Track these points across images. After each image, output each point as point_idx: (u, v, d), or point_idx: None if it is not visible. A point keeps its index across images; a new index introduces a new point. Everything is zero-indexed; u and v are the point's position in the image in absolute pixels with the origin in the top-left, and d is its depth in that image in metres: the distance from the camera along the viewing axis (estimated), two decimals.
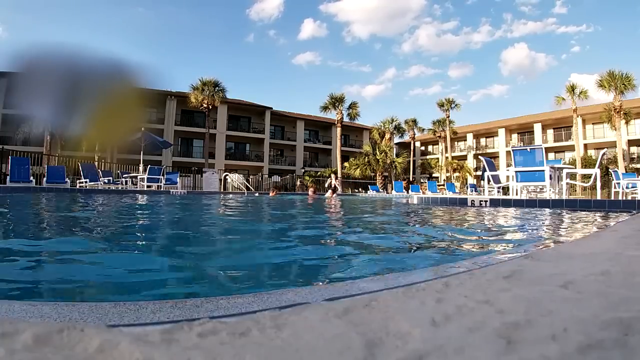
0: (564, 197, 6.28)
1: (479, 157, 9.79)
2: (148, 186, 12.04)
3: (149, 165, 12.46)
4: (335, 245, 2.25)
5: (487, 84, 68.36)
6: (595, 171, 6.50)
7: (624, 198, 8.59)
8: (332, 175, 13.04)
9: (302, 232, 2.95)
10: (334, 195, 11.65)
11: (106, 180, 11.69)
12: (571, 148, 28.59)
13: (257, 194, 14.10)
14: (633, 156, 27.40)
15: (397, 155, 29.92)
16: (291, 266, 1.59)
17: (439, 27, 59.04)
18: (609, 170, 12.17)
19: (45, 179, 9.95)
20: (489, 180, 7.25)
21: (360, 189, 25.45)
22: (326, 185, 13.53)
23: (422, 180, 32.73)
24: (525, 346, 0.43)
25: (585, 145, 28.67)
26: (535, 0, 51.61)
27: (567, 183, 6.51)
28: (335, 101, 28.61)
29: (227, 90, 26.48)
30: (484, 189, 8.20)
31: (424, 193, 19.71)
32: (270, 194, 12.04)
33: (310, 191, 11.83)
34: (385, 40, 62.81)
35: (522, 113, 39.30)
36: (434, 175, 36.72)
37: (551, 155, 27.18)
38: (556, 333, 0.46)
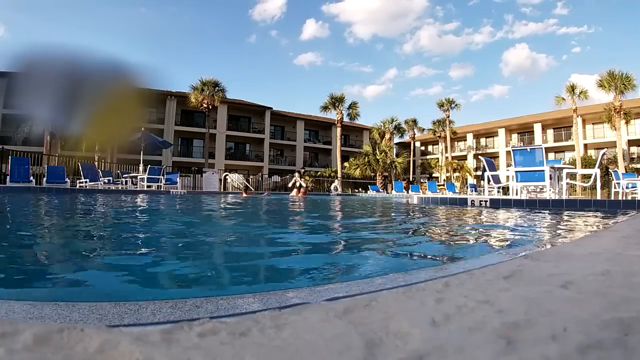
0: (564, 197, 6.27)
1: (479, 157, 9.79)
2: (148, 186, 12.04)
3: (149, 165, 12.46)
4: (334, 246, 2.25)
5: (487, 84, 68.43)
6: (595, 171, 6.49)
7: (624, 198, 8.59)
8: (297, 174, 12.59)
9: (298, 234, 2.95)
10: (299, 194, 11.50)
11: (106, 180, 11.69)
12: (571, 148, 28.58)
13: (266, 194, 13.92)
14: (633, 156, 27.39)
15: (397, 155, 29.94)
16: (287, 266, 1.60)
17: (441, 28, 59.12)
18: (609, 170, 12.17)
19: (45, 179, 9.94)
20: (489, 180, 7.24)
21: (360, 189, 25.46)
22: (289, 185, 13.15)
23: (422, 180, 32.74)
24: (525, 346, 0.43)
25: (585, 145, 28.66)
26: (537, 1, 51.73)
27: (567, 183, 6.51)
28: (336, 101, 28.61)
29: (228, 90, 26.55)
30: (484, 189, 8.20)
31: (424, 193, 19.73)
32: (243, 194, 11.97)
33: (295, 192, 11.60)
34: (387, 40, 62.87)
35: (522, 113, 39.30)
36: (434, 175, 36.71)
37: (551, 155, 27.18)
38: (556, 333, 0.46)
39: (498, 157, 32.39)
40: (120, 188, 11.94)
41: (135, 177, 12.65)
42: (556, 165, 6.59)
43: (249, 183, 18.21)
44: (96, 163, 14.96)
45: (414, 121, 35.49)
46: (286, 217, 4.63)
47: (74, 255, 1.71)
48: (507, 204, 5.72)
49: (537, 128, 31.55)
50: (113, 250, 1.93)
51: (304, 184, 12.01)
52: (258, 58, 59.48)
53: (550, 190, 6.24)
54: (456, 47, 60.16)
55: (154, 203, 6.34)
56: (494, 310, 0.56)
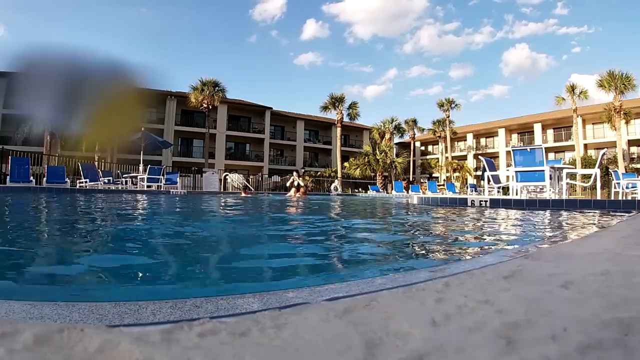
0: (564, 197, 6.27)
1: (479, 157, 9.79)
2: (148, 186, 12.05)
3: (149, 165, 12.47)
4: (334, 245, 2.25)
5: (488, 84, 68.39)
6: (595, 171, 6.49)
7: (624, 198, 8.59)
8: (294, 174, 12.30)
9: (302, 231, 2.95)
10: (298, 194, 11.33)
11: (106, 180, 11.70)
12: (571, 148, 28.58)
13: (267, 194, 13.86)
14: (633, 156, 27.39)
15: (397, 155, 29.95)
16: (288, 266, 1.60)
17: (441, 28, 59.10)
18: (609, 170, 12.17)
19: (45, 178, 9.95)
20: (489, 180, 7.24)
21: (360, 189, 25.46)
22: (287, 184, 12.90)
23: (422, 180, 32.74)
24: (525, 346, 0.43)
25: (585, 145, 28.66)
26: (537, 1, 51.75)
27: (567, 183, 6.51)
28: (336, 101, 28.62)
29: (228, 90, 26.59)
30: (484, 189, 8.20)
31: (424, 193, 19.72)
32: (242, 194, 11.93)
33: (293, 191, 11.47)
34: (387, 40, 62.85)
35: (522, 113, 39.29)
36: (434, 175, 36.72)
37: (551, 155, 27.16)
38: (556, 333, 0.46)
39: (498, 157, 32.38)
40: (120, 188, 11.94)
41: (135, 177, 12.65)
42: (556, 165, 6.59)
43: (249, 183, 18.21)
44: (96, 163, 14.96)
45: (414, 121, 35.51)
46: (285, 217, 4.63)
47: (71, 255, 1.71)
48: (507, 204, 5.72)
49: (537, 128, 31.55)
50: (112, 249, 1.93)
51: (302, 184, 11.91)
52: (258, 58, 59.56)
53: (550, 190, 6.24)
54: (456, 47, 60.21)
55: (154, 203, 6.34)
56: (494, 310, 0.56)
